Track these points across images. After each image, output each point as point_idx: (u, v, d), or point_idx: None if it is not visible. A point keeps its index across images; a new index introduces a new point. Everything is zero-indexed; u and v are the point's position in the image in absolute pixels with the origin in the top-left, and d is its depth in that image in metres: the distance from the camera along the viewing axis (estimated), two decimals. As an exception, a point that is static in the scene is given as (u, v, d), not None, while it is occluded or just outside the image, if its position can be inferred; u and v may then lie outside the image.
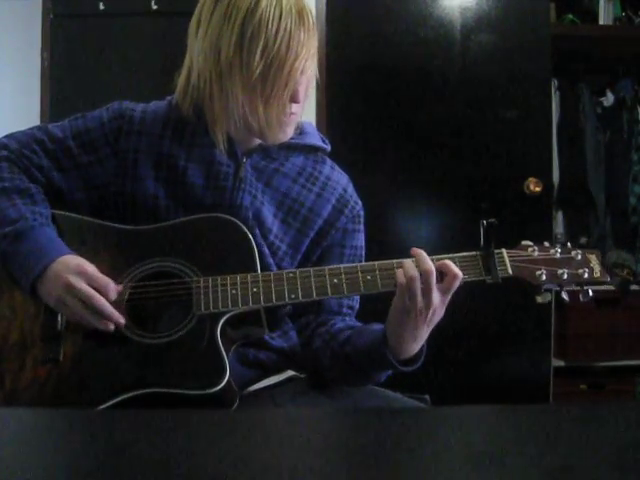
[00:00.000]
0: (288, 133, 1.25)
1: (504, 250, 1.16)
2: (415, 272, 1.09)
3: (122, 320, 1.12)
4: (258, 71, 1.14)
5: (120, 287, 1.14)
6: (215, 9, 1.18)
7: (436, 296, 1.09)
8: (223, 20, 1.16)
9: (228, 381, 1.08)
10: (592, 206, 2.96)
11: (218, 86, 1.19)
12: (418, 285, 1.08)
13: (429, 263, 1.09)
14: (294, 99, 1.19)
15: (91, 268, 1.13)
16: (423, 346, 1.15)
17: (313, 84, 1.25)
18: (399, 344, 1.13)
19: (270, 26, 1.13)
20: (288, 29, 1.14)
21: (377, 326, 1.19)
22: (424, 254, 1.10)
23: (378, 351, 1.14)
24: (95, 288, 1.11)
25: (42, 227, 1.16)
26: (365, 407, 1.18)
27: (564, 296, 1.18)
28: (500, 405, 0.66)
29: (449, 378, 2.54)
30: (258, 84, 1.16)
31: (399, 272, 1.10)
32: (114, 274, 1.16)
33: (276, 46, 1.14)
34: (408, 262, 1.11)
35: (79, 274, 1.11)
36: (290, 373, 1.29)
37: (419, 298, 1.08)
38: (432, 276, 1.08)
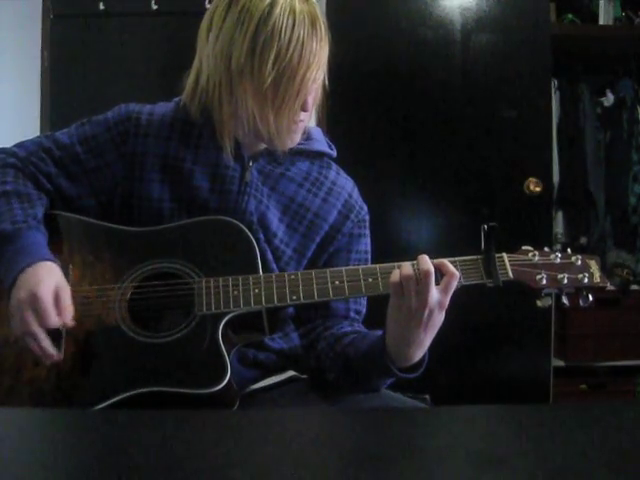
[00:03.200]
0: (295, 140, 1.25)
1: (505, 254, 1.17)
2: (410, 271, 1.08)
3: (55, 357, 1.08)
4: (270, 80, 1.14)
5: (69, 323, 1.09)
6: (227, 14, 1.16)
7: (433, 296, 1.08)
8: (235, 26, 1.15)
9: (229, 381, 1.08)
10: (592, 206, 2.96)
11: (228, 92, 1.18)
12: (412, 284, 1.07)
13: (429, 264, 1.08)
14: (303, 108, 1.19)
15: (44, 293, 1.07)
16: (425, 355, 1.14)
17: (320, 90, 1.24)
18: (397, 348, 1.12)
19: (283, 35, 1.12)
20: (301, 38, 1.13)
21: (380, 332, 1.18)
22: (426, 257, 1.10)
23: (377, 356, 1.14)
24: (40, 314, 1.07)
25: (30, 230, 1.14)
26: (365, 407, 1.18)
27: (564, 300, 1.19)
28: (500, 405, 0.66)
29: (449, 378, 2.53)
30: (269, 93, 1.15)
31: (394, 272, 1.10)
32: (117, 274, 1.16)
33: (288, 55, 1.13)
34: (406, 263, 1.11)
35: (32, 295, 1.07)
36: (291, 373, 1.30)
37: (413, 297, 1.08)
38: (430, 277, 1.07)
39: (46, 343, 1.08)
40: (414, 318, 1.08)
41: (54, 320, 1.08)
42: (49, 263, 1.12)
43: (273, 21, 1.12)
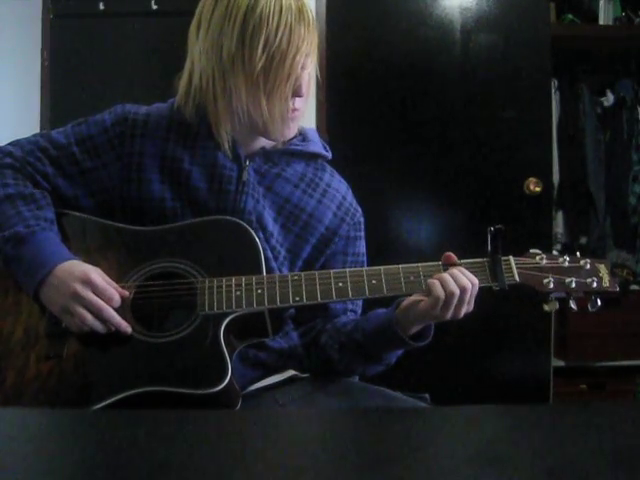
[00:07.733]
0: (291, 130, 1.25)
1: (511, 257, 1.17)
2: (456, 289, 1.10)
3: (129, 329, 1.12)
4: (260, 65, 1.15)
5: (125, 292, 1.14)
6: (215, 9, 1.19)
7: (470, 308, 1.13)
8: (224, 19, 1.17)
9: (230, 381, 1.08)
10: (592, 206, 2.96)
11: (221, 83, 1.20)
12: (454, 300, 1.11)
13: (465, 280, 1.11)
14: (297, 93, 1.20)
15: (95, 276, 1.12)
16: (431, 325, 1.19)
17: (314, 82, 1.26)
18: (409, 328, 1.17)
19: (271, 20, 1.15)
20: (289, 24, 1.16)
21: (381, 310, 1.22)
22: (461, 272, 1.12)
23: (388, 331, 1.17)
24: (101, 298, 1.11)
25: (44, 232, 1.15)
26: (365, 407, 1.18)
27: (572, 305, 1.18)
28: (500, 405, 0.66)
29: (449, 378, 2.54)
30: (260, 78, 1.17)
31: (436, 285, 1.11)
32: (120, 273, 1.17)
33: (277, 40, 1.15)
34: (446, 276, 1.12)
35: (85, 283, 1.10)
36: (291, 373, 1.30)
37: (450, 311, 1.11)
38: (467, 293, 1.11)
39: (120, 319, 1.11)
40: (441, 319, 1.14)
41: (117, 297, 1.12)
42: (76, 260, 1.15)
43: (260, 8, 1.16)
